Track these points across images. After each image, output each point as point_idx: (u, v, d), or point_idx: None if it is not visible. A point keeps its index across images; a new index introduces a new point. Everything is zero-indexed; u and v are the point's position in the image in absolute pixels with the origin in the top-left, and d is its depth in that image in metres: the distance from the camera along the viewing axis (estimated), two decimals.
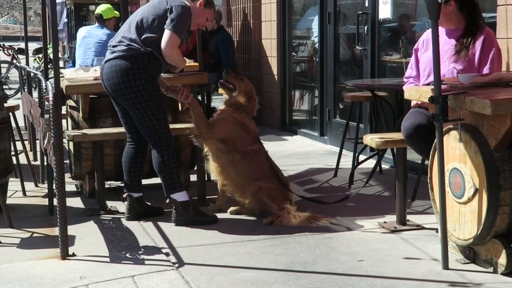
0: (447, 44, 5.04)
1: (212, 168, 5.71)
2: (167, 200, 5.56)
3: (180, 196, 5.37)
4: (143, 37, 5.24)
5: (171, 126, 5.94)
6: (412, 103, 5.12)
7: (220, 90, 9.37)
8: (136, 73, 5.23)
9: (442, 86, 4.18)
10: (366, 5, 7.73)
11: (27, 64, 9.36)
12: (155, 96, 5.31)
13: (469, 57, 4.98)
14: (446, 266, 4.23)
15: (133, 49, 5.25)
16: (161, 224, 5.41)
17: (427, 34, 5.17)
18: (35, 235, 5.31)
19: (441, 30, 5.03)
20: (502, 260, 4.06)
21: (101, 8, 8.68)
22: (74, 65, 8.51)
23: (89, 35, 8.45)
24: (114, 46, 5.35)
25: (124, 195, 5.69)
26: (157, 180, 6.68)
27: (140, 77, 5.23)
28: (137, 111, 5.29)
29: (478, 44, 4.99)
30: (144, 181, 5.99)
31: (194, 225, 5.33)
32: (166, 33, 5.19)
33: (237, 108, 5.73)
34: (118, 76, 5.25)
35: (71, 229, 4.94)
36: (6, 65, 18.86)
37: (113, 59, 5.30)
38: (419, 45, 5.26)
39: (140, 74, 5.24)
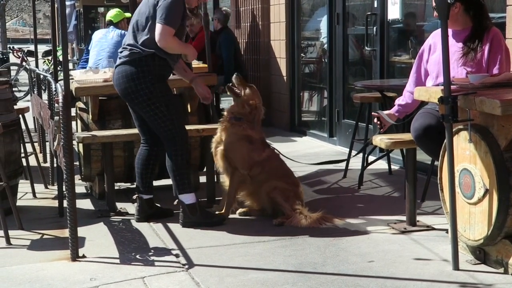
0: (454, 47, 5.02)
1: (227, 183, 5.68)
2: (175, 202, 5.55)
3: (188, 199, 5.38)
4: (141, 40, 5.27)
5: None
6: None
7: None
8: (141, 76, 5.24)
9: (451, 86, 4.18)
10: (375, 5, 7.73)
11: (37, 66, 9.38)
12: (165, 96, 5.31)
13: (477, 59, 4.97)
14: (456, 267, 4.22)
15: (135, 53, 5.27)
16: (170, 225, 5.42)
17: (434, 37, 5.17)
18: (45, 236, 5.32)
19: (448, 32, 5.02)
20: None
21: (110, 15, 8.80)
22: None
23: (104, 37, 8.53)
24: (120, 52, 5.39)
25: (134, 197, 5.69)
26: (167, 182, 6.70)
27: (145, 80, 5.25)
28: (147, 114, 5.30)
29: (486, 45, 4.98)
30: (154, 183, 5.99)
31: (201, 226, 5.34)
32: (157, 27, 5.18)
33: (238, 118, 5.60)
34: (125, 81, 5.27)
35: (81, 231, 4.95)
36: (16, 67, 18.94)
37: (120, 65, 5.35)
38: (425, 48, 5.24)
39: (146, 77, 5.25)
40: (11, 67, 18.29)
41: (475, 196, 4.19)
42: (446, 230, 4.75)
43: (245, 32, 11.12)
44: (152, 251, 4.83)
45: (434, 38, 5.18)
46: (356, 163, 7.04)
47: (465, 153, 4.25)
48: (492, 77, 4.64)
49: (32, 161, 7.23)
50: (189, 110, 6.45)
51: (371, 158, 6.87)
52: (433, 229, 5.10)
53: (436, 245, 4.72)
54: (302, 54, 10.10)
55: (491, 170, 4.05)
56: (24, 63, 18.94)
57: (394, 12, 7.41)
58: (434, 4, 5.10)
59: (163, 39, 5.16)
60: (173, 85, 6.45)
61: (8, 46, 28.34)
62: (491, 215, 4.08)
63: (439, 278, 4.12)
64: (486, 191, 4.10)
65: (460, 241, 4.35)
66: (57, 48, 8.74)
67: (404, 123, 5.77)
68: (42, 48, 20.03)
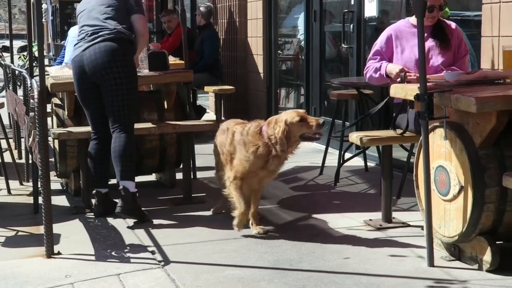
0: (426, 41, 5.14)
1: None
2: (121, 187, 5.51)
3: (132, 186, 5.38)
4: (121, 26, 5.44)
5: (157, 124, 5.96)
6: None
7: (206, 88, 9.42)
8: (128, 54, 5.46)
9: (427, 83, 4.20)
10: (352, 3, 7.74)
11: (12, 62, 9.33)
12: (137, 83, 5.60)
13: (450, 48, 5.23)
14: (431, 263, 4.24)
15: (121, 33, 5.42)
16: (146, 222, 5.40)
17: (395, 31, 5.26)
18: (20, 233, 5.28)
19: (412, 27, 5.15)
20: (487, 257, 4.08)
21: None
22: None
23: None
24: (97, 32, 5.42)
25: (94, 192, 5.64)
26: (144, 178, 6.68)
27: (130, 58, 5.47)
28: (117, 93, 5.38)
29: (451, 34, 5.28)
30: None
31: (137, 217, 5.36)
32: (138, 18, 5.49)
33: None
34: (109, 54, 5.36)
35: (56, 228, 4.92)
36: None
37: (102, 41, 5.38)
38: (382, 44, 5.31)
39: (130, 56, 5.48)
40: None
41: (450, 193, 4.22)
42: (422, 227, 4.77)
43: (222, 28, 11.10)
44: (128, 248, 4.82)
45: (395, 32, 5.26)
46: (332, 160, 7.06)
47: (441, 150, 4.28)
48: (467, 74, 4.68)
49: (7, 158, 7.16)
50: (165, 106, 6.43)
51: (347, 155, 6.89)
52: (409, 226, 5.13)
53: (411, 241, 4.75)
54: (279, 51, 10.10)
55: (466, 167, 4.07)
56: None
57: (371, 9, 7.43)
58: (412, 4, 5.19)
59: (145, 28, 5.54)
60: (149, 82, 6.44)
61: None
62: (466, 212, 4.10)
63: (414, 274, 4.14)
64: (461, 188, 4.13)
65: (435, 238, 4.38)
66: (33, 44, 8.70)
67: (380, 120, 5.81)
68: (17, 43, 19.85)
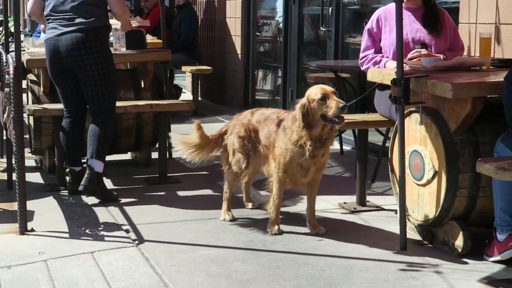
0: (415, 24, 5.10)
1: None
2: (84, 165, 5.51)
3: (99, 166, 5.36)
4: (96, 12, 5.38)
5: (134, 103, 5.95)
6: None
7: (184, 68, 9.40)
8: (103, 44, 5.41)
9: (404, 68, 4.21)
10: None
11: None
12: (114, 68, 5.59)
13: (441, 35, 5.13)
14: (404, 247, 4.27)
15: (95, 21, 5.35)
16: (121, 200, 5.39)
17: (385, 13, 5.18)
18: None
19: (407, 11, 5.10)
20: (459, 242, 4.12)
21: None
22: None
23: None
24: (70, 19, 5.35)
25: (67, 170, 5.62)
26: (120, 157, 6.67)
27: (105, 48, 5.45)
28: (96, 82, 5.35)
29: (445, 22, 5.16)
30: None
31: (101, 198, 5.35)
32: (114, 2, 5.47)
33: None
34: (86, 46, 5.30)
35: (30, 204, 4.89)
36: None
37: (76, 31, 5.31)
38: (373, 25, 5.22)
39: (105, 45, 5.46)
40: None
41: (424, 178, 4.25)
42: (395, 211, 4.81)
43: (201, 9, 11.06)
44: (102, 226, 4.81)
45: (384, 13, 5.20)
46: None
47: (416, 135, 4.30)
48: (444, 60, 4.71)
49: None
50: (142, 85, 6.40)
51: None
52: (382, 209, 5.16)
53: (385, 225, 4.78)
54: (257, 33, 10.08)
55: (440, 152, 4.10)
56: None
57: None
58: None
59: (122, 8, 5.57)
60: (127, 60, 6.41)
61: None
62: (439, 197, 4.14)
63: (387, 257, 4.17)
64: (435, 173, 4.16)
65: (409, 222, 4.41)
66: (9, 19, 8.59)
67: (356, 104, 5.82)
68: None
